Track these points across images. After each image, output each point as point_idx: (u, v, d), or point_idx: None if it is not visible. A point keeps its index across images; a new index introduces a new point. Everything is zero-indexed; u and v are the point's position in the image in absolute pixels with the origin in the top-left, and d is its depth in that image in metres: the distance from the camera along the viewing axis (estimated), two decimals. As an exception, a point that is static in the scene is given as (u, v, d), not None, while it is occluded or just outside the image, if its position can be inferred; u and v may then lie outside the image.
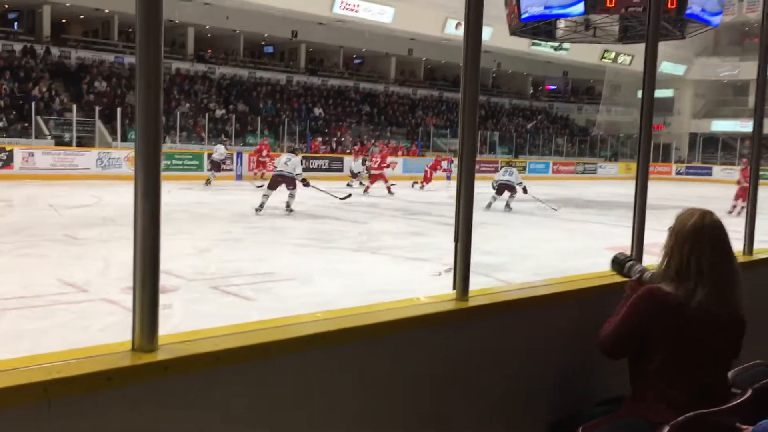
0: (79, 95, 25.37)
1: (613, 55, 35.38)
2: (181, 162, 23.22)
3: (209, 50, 32.71)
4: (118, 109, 23.37)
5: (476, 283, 2.34)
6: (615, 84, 36.99)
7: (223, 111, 28.40)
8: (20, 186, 16.99)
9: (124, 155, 21.64)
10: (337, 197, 14.69)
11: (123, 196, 12.92)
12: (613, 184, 28.36)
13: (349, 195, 15.20)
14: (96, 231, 10.17)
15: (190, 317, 5.36)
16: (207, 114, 26.92)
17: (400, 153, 29.03)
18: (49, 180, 18.98)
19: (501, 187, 15.83)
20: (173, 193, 15.82)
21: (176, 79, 29.04)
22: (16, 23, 29.53)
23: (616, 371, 2.28)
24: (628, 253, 2.75)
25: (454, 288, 2.26)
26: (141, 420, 1.50)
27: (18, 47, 26.32)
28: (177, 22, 29.80)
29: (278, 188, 13.50)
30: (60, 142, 22.37)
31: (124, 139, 23.45)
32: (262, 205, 13.25)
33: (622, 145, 40.42)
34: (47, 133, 22.73)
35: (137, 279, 1.51)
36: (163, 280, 5.41)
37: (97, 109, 23.71)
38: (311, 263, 8.34)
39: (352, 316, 2.04)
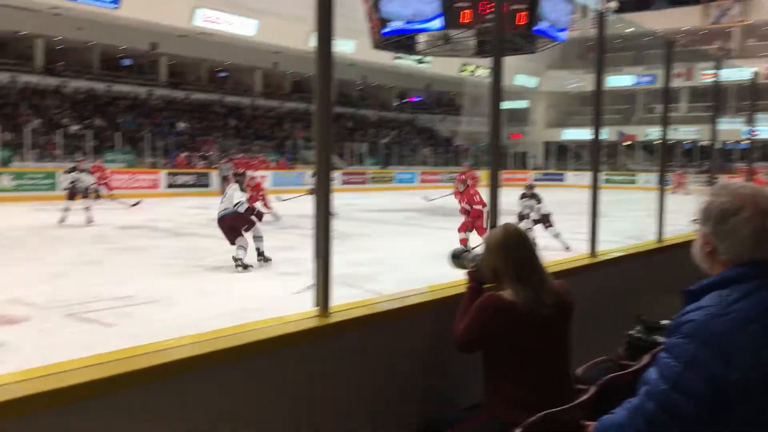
0: None
1: (472, 68, 36.90)
2: (32, 182, 21.75)
3: (60, 63, 30.85)
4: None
5: (347, 295, 2.36)
6: (474, 96, 38.49)
7: (79, 126, 26.88)
8: None
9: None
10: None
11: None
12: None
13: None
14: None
15: (42, 350, 5.00)
16: (61, 130, 25.38)
17: (262, 166, 28.63)
18: None
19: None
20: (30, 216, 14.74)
21: (24, 94, 27.20)
22: None
23: (481, 376, 2.37)
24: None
25: (316, 305, 2.25)
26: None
27: None
28: (23, 33, 27.97)
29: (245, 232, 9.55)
30: None
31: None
32: (261, 254, 9.66)
33: (484, 153, 42.19)
34: None
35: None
36: (11, 310, 5.02)
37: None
38: (176, 284, 8.05)
39: (212, 340, 1.99)
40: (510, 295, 2.27)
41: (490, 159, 3.09)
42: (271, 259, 9.64)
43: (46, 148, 24.88)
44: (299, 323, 2.20)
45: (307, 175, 19.69)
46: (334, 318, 2.25)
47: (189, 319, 6.02)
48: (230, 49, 31.74)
